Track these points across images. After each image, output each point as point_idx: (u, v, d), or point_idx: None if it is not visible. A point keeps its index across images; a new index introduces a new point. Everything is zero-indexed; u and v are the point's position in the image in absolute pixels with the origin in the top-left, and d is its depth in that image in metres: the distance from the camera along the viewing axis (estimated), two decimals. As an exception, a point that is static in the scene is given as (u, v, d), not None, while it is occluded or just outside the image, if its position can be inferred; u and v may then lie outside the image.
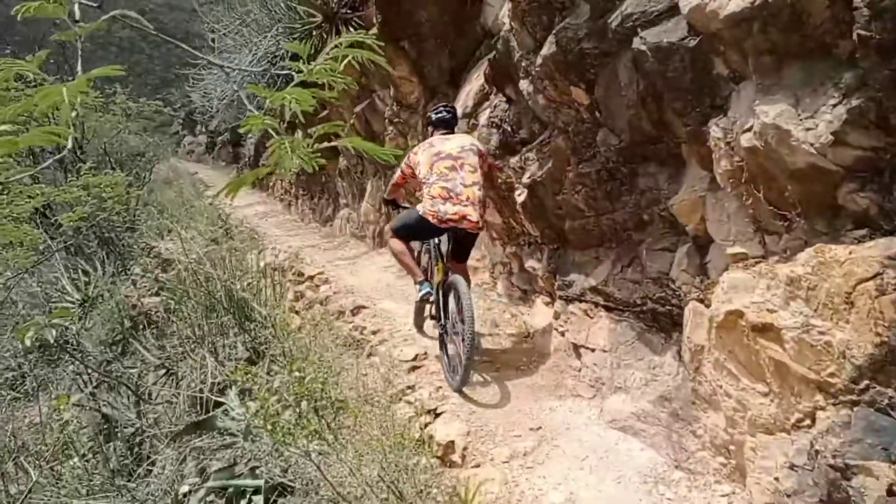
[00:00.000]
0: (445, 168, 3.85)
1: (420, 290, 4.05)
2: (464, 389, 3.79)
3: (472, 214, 3.75)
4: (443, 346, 3.99)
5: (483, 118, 4.58)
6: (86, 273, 6.19)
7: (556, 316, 4.23)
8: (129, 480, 4.81)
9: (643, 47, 2.67)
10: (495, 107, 4.45)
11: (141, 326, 6.40)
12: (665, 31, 2.60)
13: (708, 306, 2.68)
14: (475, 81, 4.79)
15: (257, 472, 3.56)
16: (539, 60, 3.42)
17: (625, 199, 3.38)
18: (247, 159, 11.88)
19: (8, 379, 6.95)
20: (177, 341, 5.62)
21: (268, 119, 0.94)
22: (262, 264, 6.22)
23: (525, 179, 4.14)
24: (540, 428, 3.41)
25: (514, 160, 4.32)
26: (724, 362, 2.43)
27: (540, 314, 4.49)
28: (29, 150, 6.63)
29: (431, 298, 4.10)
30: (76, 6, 0.89)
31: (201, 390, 4.86)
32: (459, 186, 3.80)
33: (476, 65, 5.05)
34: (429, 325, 4.55)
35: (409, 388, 3.86)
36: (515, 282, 4.88)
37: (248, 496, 3.57)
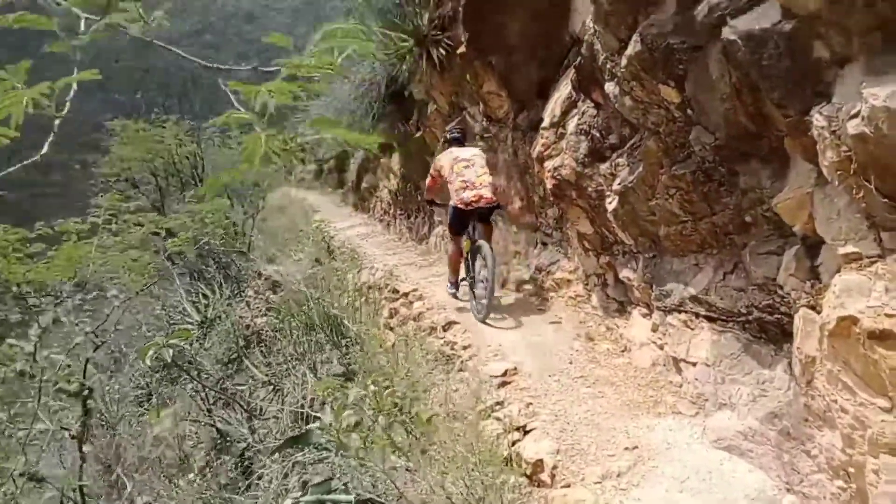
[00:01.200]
0: (462, 167, 5.52)
1: (449, 289, 6.00)
2: (555, 405, 3.69)
3: (487, 193, 5.46)
4: (472, 290, 5.59)
5: (571, 126, 4.49)
6: (205, 296, 6.65)
7: (654, 328, 4.02)
8: (236, 493, 5.05)
9: (733, 37, 2.50)
10: (583, 113, 4.34)
11: (252, 345, 6.84)
12: (756, 18, 2.43)
13: (819, 313, 2.43)
14: (563, 90, 4.70)
15: (348, 486, 3.62)
16: (624, 61, 3.30)
17: (724, 201, 3.17)
18: (350, 184, 12.28)
19: (137, 396, 7.59)
20: (281, 359, 5.95)
21: (239, 113, 0.96)
22: (360, 283, 6.45)
23: (616, 186, 4.00)
24: (636, 447, 3.23)
25: (603, 167, 4.19)
26: (838, 374, 2.19)
27: (637, 327, 4.29)
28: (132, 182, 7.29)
29: (451, 290, 6.00)
30: (82, 20, 0.96)
31: (302, 406, 5.08)
32: (473, 177, 5.47)
33: (565, 73, 4.94)
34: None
35: (498, 403, 3.79)
36: (611, 293, 4.69)
37: (344, 510, 3.62)
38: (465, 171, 5.51)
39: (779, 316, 2.88)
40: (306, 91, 1.00)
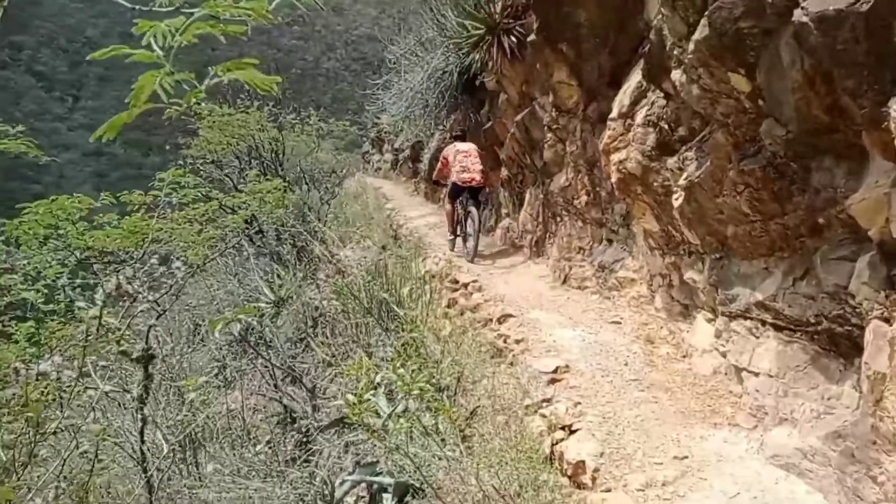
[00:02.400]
0: (462, 157, 7.61)
1: (449, 237, 8.01)
2: (604, 407, 3.60)
3: (476, 177, 7.50)
4: (464, 241, 7.65)
5: (639, 117, 4.31)
6: (279, 277, 6.78)
7: (718, 334, 3.82)
8: (295, 468, 5.21)
9: (805, 19, 2.30)
10: (652, 104, 4.16)
11: (319, 326, 7.03)
12: (834, -2, 2.22)
13: (892, 325, 2.22)
14: (633, 79, 4.51)
15: (391, 470, 3.63)
16: (692, 47, 3.12)
17: (796, 200, 2.95)
18: (423, 173, 12.37)
19: (213, 369, 7.96)
20: (341, 340, 6.07)
21: (130, 50, 0.94)
22: (423, 271, 6.47)
23: (682, 181, 3.80)
24: (686, 457, 3.07)
25: (671, 161, 4.00)
26: (905, 395, 1.98)
27: (700, 332, 4.08)
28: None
29: (450, 237, 7.98)
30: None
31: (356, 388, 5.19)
32: (469, 165, 7.53)
33: (637, 63, 4.74)
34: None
35: (545, 401, 3.70)
36: (675, 295, 4.48)
37: (385, 493, 3.65)
38: (464, 160, 7.69)
39: (850, 328, 2.65)
40: (225, 33, 0.98)
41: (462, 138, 8.09)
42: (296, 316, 6.55)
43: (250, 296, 6.95)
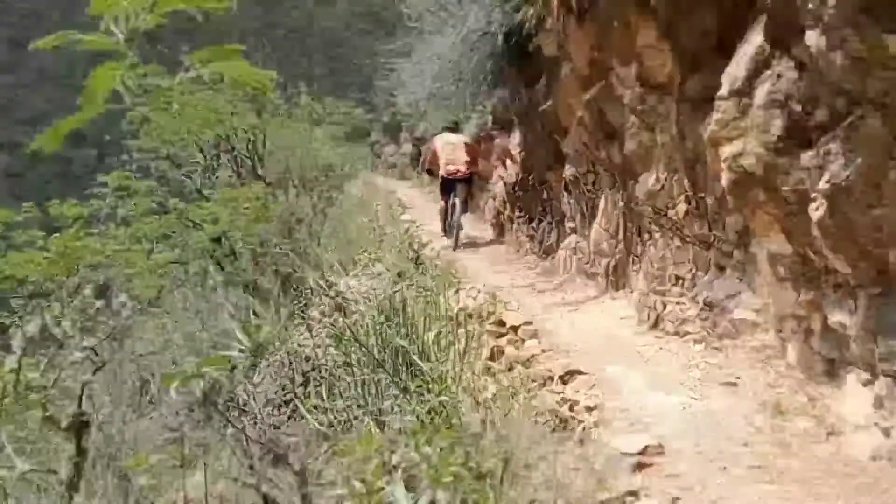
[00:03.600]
0: (450, 149, 11.14)
1: (443, 235, 11.00)
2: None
3: (462, 168, 11.04)
4: (450, 231, 10.76)
5: (760, 95, 4.25)
6: (257, 315, 6.83)
7: (878, 403, 3.74)
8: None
9: None
10: (778, 77, 4.11)
11: (312, 384, 7.01)
12: None
13: None
14: (751, 43, 4.48)
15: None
16: (832, 1, 3.10)
17: None
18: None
19: (168, 442, 8.01)
20: (341, 404, 6.05)
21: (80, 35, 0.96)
22: (455, 309, 6.42)
23: (822, 185, 3.75)
24: (834, 580, 2.98)
25: (806, 156, 3.94)
26: None
27: (852, 399, 4.00)
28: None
29: (442, 235, 10.95)
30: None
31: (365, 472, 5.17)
32: (455, 157, 11.05)
33: (755, 21, 4.71)
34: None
35: (630, 494, 3.64)
36: (816, 346, 4.40)
37: None
38: (452, 152, 11.12)
39: None
40: (204, 9, 1.00)
41: (454, 130, 11.84)
42: (279, 369, 6.46)
43: (218, 341, 6.92)
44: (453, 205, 10.99)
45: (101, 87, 0.96)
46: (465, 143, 11.51)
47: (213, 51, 1.03)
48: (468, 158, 11.21)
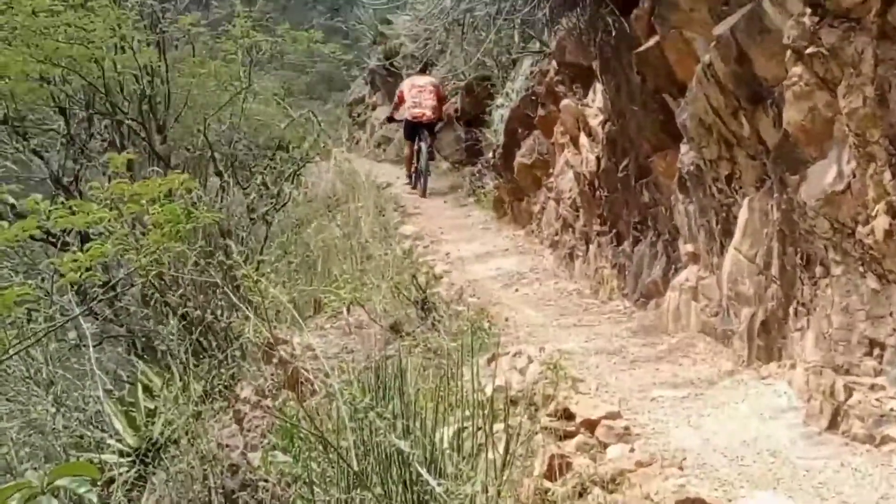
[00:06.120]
0: (416, 92, 12.21)
1: (405, 182, 13.06)
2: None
3: (429, 113, 12.10)
4: (418, 177, 12.38)
5: None
6: (150, 393, 5.79)
7: None
8: None
9: None
10: None
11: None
12: None
13: None
14: None
15: None
16: None
17: None
18: (493, 155, 10.46)
19: None
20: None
21: None
22: (489, 389, 5.12)
23: None
24: None
25: None
26: None
27: None
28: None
29: (408, 183, 13.04)
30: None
31: None
32: (421, 100, 12.15)
33: None
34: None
35: None
36: None
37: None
38: (419, 95, 11.79)
39: None
40: None
41: (424, 71, 12.53)
42: (186, 486, 5.63)
43: (83, 437, 6.00)
44: (418, 150, 11.78)
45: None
46: (433, 86, 12.15)
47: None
48: (435, 103, 11.93)
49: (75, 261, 4.32)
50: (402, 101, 12.24)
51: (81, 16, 5.51)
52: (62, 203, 4.53)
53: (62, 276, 4.46)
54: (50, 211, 4.30)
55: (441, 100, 12.39)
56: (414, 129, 11.93)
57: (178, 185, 4.65)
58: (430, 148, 11.98)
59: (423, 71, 12.39)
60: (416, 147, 11.89)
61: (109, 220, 4.54)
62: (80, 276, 4.43)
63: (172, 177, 5.07)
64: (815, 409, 4.85)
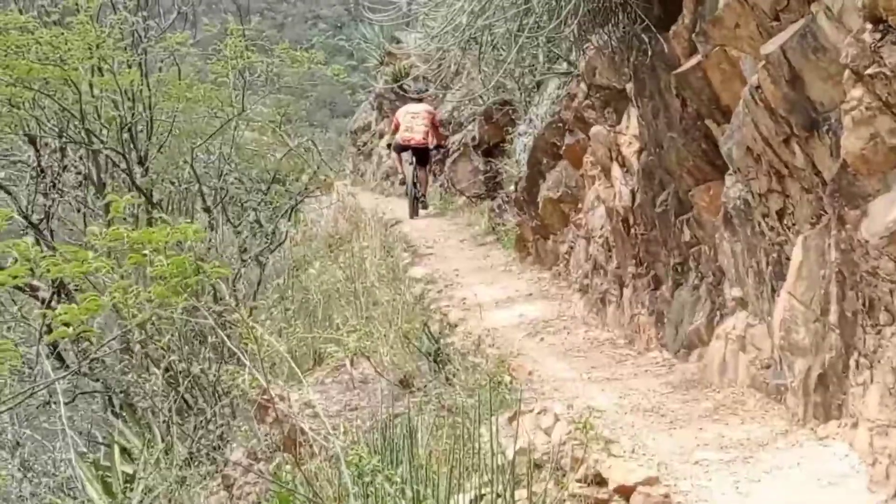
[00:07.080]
0: (410, 118, 13.22)
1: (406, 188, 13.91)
2: None
3: (418, 137, 13.00)
4: (414, 202, 13.05)
5: None
6: (129, 456, 5.61)
7: None
8: None
9: None
10: None
11: None
12: None
13: None
14: None
15: None
16: None
17: None
18: (515, 188, 10.10)
19: None
20: None
21: None
22: (511, 451, 4.82)
23: None
24: None
25: None
26: None
27: None
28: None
29: (402, 181, 14.15)
30: None
31: None
32: (413, 125, 13.15)
33: None
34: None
35: None
36: None
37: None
38: (412, 120, 12.83)
39: None
40: None
41: (419, 100, 13.68)
42: None
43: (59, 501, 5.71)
44: (414, 172, 12.73)
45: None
46: (427, 112, 13.08)
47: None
48: (426, 128, 12.76)
49: (66, 313, 4.02)
50: (397, 128, 13.01)
51: (57, 34, 5.27)
52: (53, 249, 4.26)
53: (50, 330, 4.16)
54: (43, 258, 4.04)
55: (434, 126, 13.13)
56: (404, 149, 12.86)
57: (190, 237, 4.34)
58: (422, 172, 12.97)
59: (416, 99, 13.82)
60: (414, 170, 12.73)
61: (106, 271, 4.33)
62: (73, 331, 4.15)
63: (183, 226, 4.75)
64: (880, 473, 4.57)
